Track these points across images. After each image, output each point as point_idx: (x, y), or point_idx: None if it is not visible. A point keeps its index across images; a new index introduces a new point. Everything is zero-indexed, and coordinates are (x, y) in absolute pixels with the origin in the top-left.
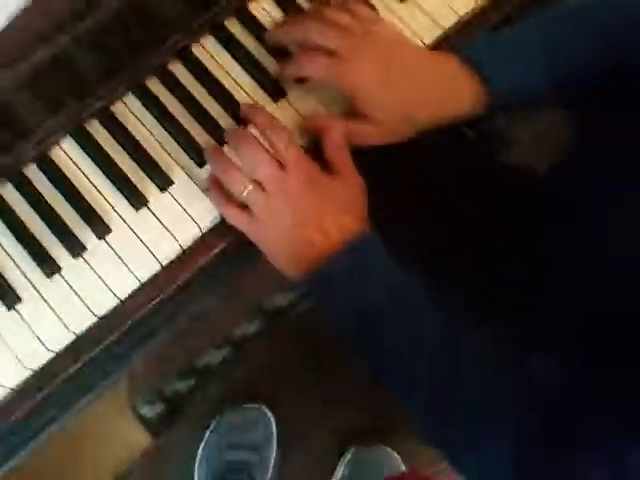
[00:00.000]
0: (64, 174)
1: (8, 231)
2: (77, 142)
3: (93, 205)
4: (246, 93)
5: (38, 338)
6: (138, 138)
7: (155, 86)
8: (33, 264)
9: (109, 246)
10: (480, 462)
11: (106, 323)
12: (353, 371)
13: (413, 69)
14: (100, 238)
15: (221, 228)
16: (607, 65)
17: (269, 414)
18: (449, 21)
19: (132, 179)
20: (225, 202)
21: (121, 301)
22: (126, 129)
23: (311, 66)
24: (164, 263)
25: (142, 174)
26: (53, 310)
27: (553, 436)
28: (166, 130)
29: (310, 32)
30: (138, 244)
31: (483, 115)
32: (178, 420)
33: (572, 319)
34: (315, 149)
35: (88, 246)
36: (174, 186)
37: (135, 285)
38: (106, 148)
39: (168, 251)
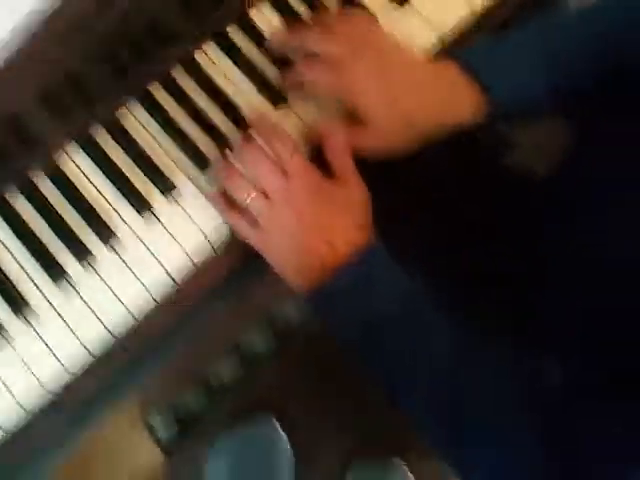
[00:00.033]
0: (72, 182)
1: (19, 244)
2: (84, 150)
3: (100, 213)
4: (248, 99)
5: (54, 355)
6: (143, 145)
7: (158, 92)
8: (47, 279)
9: (117, 254)
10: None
11: (118, 339)
12: (365, 387)
13: (412, 77)
14: (106, 245)
15: (229, 241)
16: (607, 67)
17: (281, 431)
18: (447, 28)
19: (137, 186)
20: (229, 210)
21: (134, 317)
22: (131, 136)
23: (311, 74)
24: (170, 271)
25: (147, 181)
26: (68, 326)
27: (553, 436)
28: (169, 137)
29: (310, 40)
30: (144, 251)
31: (484, 122)
32: (191, 438)
33: (572, 319)
34: (318, 157)
35: (96, 254)
36: (178, 192)
37: (147, 300)
38: (112, 156)
39: (174, 258)
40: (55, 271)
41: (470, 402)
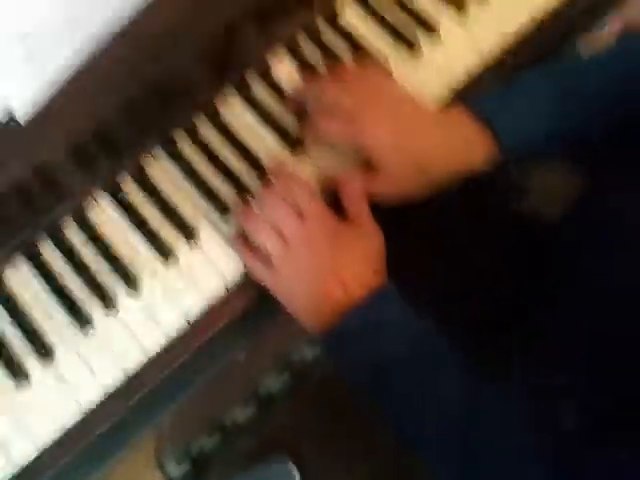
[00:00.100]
0: (99, 229)
1: (45, 287)
2: (111, 200)
3: (125, 260)
4: (267, 147)
5: (70, 395)
6: (167, 193)
7: (183, 144)
8: (68, 320)
9: (140, 299)
10: None
11: (134, 379)
12: (375, 429)
13: (424, 126)
14: (130, 292)
15: (246, 283)
16: (614, 116)
17: (295, 472)
18: (458, 78)
19: (161, 233)
20: (247, 252)
21: (149, 356)
22: (156, 186)
23: (327, 124)
24: (190, 316)
25: (170, 228)
26: (85, 365)
27: (561, 461)
28: (193, 185)
29: (326, 93)
30: (166, 297)
31: (495, 168)
32: (205, 478)
33: (580, 345)
34: (334, 203)
35: (119, 300)
36: (200, 239)
37: (163, 339)
38: (137, 203)
39: (194, 303)
40: (79, 315)
41: (480, 442)
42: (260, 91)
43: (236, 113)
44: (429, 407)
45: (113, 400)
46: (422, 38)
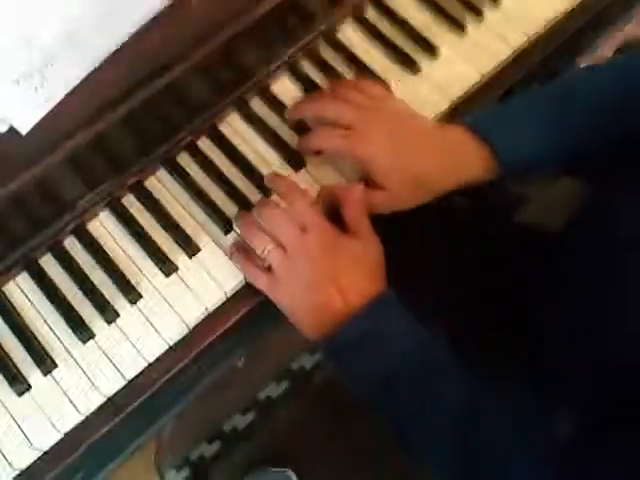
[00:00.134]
0: (100, 245)
1: (46, 300)
2: (113, 215)
3: (126, 273)
4: (269, 164)
5: (70, 401)
6: (169, 209)
7: (185, 160)
8: (69, 331)
9: (140, 311)
10: None
11: (135, 386)
12: (379, 434)
13: (423, 143)
14: (132, 304)
15: (246, 291)
16: (615, 131)
17: (294, 479)
18: (458, 93)
19: (163, 247)
20: (247, 261)
21: (149, 363)
22: (158, 201)
23: (328, 141)
24: (192, 326)
25: (172, 242)
26: (85, 374)
27: (562, 461)
28: (194, 201)
29: (326, 109)
30: (167, 308)
31: (494, 181)
32: None
33: (580, 344)
34: (334, 216)
35: (121, 312)
36: (201, 253)
37: (164, 348)
38: (139, 219)
39: (195, 315)
40: (80, 325)
41: (480, 443)
42: (260, 107)
43: (237, 131)
44: (430, 411)
45: (113, 406)
46: (421, 55)
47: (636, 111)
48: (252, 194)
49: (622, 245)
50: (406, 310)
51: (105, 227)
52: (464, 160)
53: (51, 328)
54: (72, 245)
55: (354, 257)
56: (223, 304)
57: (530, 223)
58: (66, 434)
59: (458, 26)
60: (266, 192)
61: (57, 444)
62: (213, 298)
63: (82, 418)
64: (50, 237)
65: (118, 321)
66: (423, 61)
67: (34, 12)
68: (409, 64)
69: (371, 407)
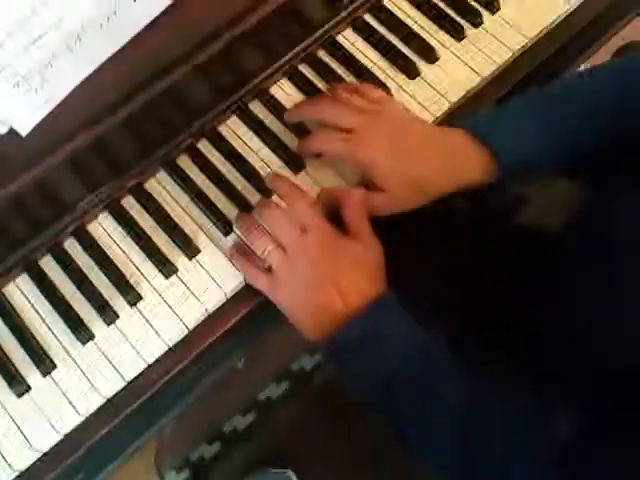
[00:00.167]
0: (100, 246)
1: (46, 301)
2: (113, 216)
3: (126, 274)
4: (269, 167)
5: (70, 403)
6: (168, 211)
7: (185, 163)
8: (68, 332)
9: (139, 312)
10: None
11: (134, 387)
12: (379, 435)
13: (423, 147)
14: (131, 305)
15: (246, 292)
16: (613, 133)
17: (295, 479)
18: (457, 96)
19: (162, 249)
20: (247, 262)
21: (149, 365)
22: (158, 203)
23: (328, 144)
24: (191, 327)
25: (172, 244)
26: (85, 375)
27: (562, 461)
28: (194, 203)
29: (325, 112)
30: (167, 310)
31: (494, 183)
32: None
33: (580, 344)
34: (334, 218)
35: (120, 313)
36: (201, 254)
37: (163, 349)
38: (139, 221)
39: (195, 316)
40: (80, 327)
41: (480, 443)
42: (259, 110)
43: (237, 134)
44: (430, 411)
45: (113, 407)
46: (420, 59)
47: (634, 114)
48: (251, 196)
49: (620, 248)
50: (406, 312)
51: (105, 229)
52: (464, 163)
53: (51, 329)
54: (72, 247)
55: (354, 258)
56: (223, 305)
57: (530, 224)
58: (66, 435)
59: (457, 30)
60: (266, 194)
61: (57, 445)
62: (213, 299)
63: (82, 419)
64: (50, 239)
65: (118, 322)
66: (422, 65)
67: (34, 13)
68: (408, 68)
69: (371, 408)
